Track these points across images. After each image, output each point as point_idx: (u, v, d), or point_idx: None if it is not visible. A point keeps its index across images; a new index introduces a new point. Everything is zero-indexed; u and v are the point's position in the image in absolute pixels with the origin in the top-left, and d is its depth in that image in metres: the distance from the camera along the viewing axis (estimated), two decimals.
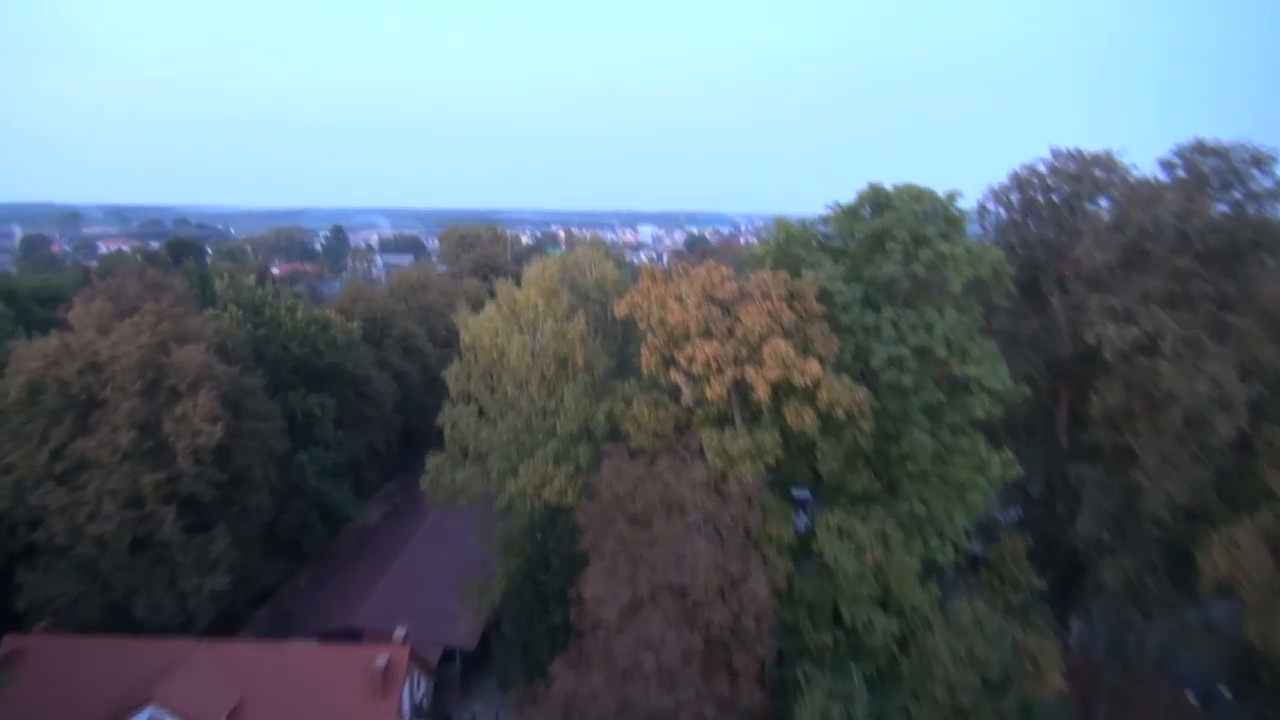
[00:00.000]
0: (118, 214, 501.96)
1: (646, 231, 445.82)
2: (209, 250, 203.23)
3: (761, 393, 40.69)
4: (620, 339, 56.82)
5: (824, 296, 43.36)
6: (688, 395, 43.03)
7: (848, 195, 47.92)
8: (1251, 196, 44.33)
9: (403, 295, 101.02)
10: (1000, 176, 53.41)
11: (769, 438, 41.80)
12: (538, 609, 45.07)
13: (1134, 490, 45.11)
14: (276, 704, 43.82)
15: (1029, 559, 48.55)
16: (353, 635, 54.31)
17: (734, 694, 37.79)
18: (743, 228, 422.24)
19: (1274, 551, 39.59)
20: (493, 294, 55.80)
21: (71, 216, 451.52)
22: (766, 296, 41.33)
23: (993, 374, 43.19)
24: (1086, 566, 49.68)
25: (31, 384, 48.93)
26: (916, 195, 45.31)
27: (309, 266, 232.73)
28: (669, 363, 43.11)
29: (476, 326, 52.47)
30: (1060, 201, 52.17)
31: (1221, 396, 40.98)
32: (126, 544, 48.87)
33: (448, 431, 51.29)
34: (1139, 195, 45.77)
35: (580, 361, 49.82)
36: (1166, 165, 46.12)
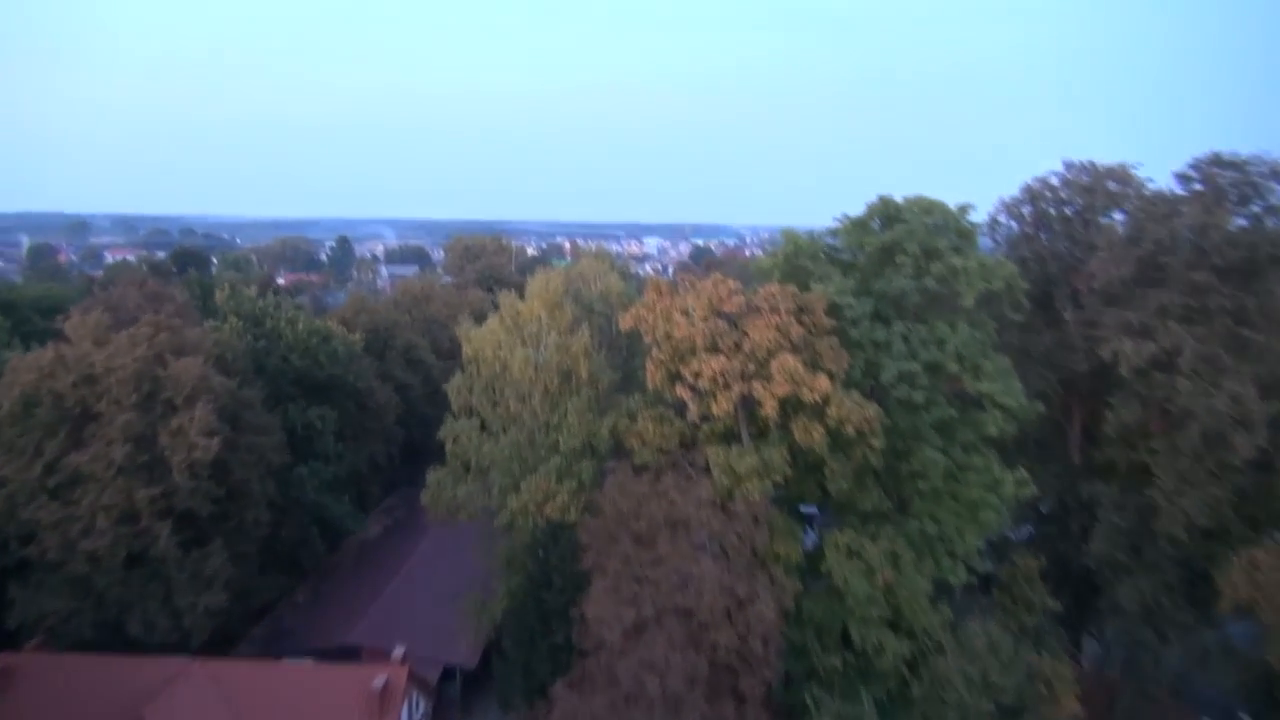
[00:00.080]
0: (125, 223, 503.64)
1: (652, 243, 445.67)
2: (214, 260, 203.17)
3: (769, 409, 39.91)
4: (625, 352, 56.13)
5: (833, 310, 42.67)
6: (693, 411, 42.19)
7: (856, 207, 47.59)
8: (1270, 210, 43.81)
9: (406, 306, 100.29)
10: (1011, 189, 52.96)
11: (777, 455, 40.97)
12: (540, 628, 44.28)
13: (1150, 509, 44.55)
14: None
15: (1041, 579, 47.64)
16: (351, 653, 53.44)
17: (740, 719, 36.89)
18: (748, 239, 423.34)
19: None
20: (497, 305, 55.16)
21: (79, 226, 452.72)
22: (775, 310, 40.62)
23: (1006, 390, 42.42)
24: (1100, 586, 48.91)
25: (25, 396, 48.13)
26: (927, 207, 44.69)
27: (314, 277, 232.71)
28: (674, 377, 42.36)
29: (479, 339, 51.85)
30: (1073, 214, 51.65)
31: (1241, 414, 40.36)
32: (120, 560, 47.90)
33: (449, 446, 50.74)
34: (1155, 209, 45.10)
35: (584, 375, 49.10)
36: (1183, 178, 45.50)
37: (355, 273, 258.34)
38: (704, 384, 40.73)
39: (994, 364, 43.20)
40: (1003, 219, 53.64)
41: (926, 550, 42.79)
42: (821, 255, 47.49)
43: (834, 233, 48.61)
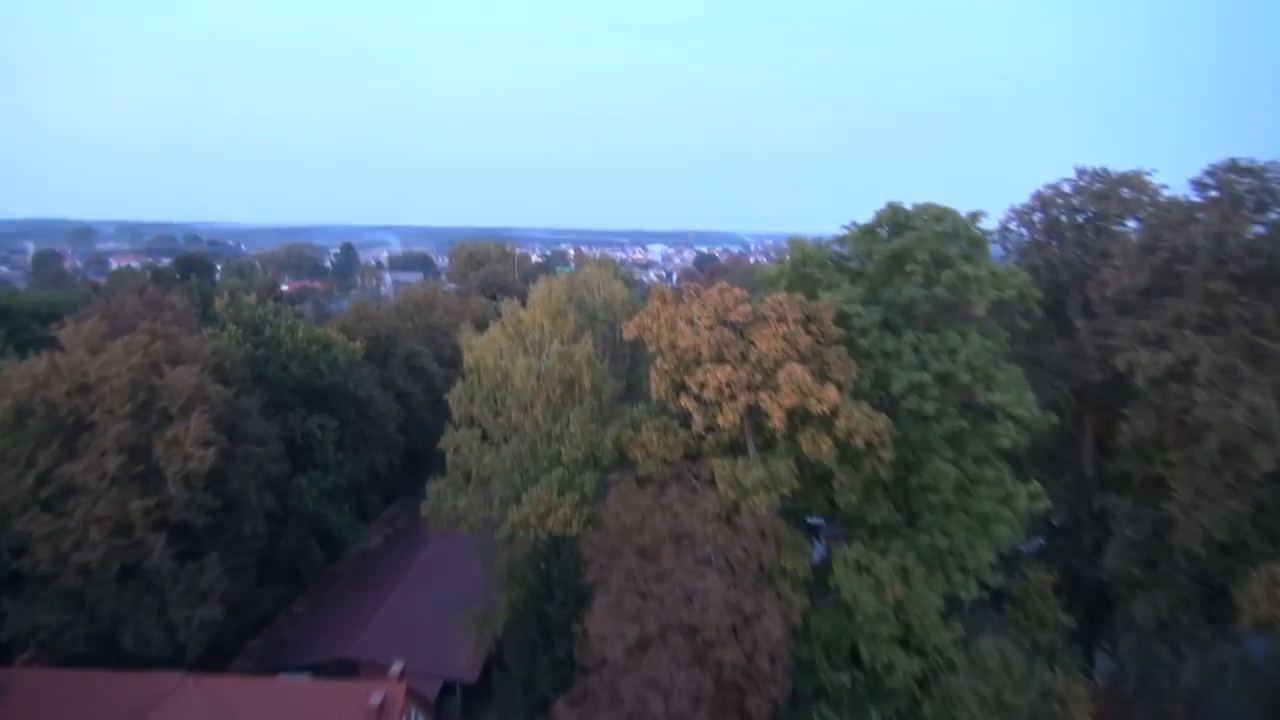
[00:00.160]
0: (130, 230, 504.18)
1: (656, 250, 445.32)
2: (219, 267, 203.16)
3: (776, 420, 38.95)
4: (629, 361, 55.39)
5: (842, 319, 41.78)
6: (699, 421, 41.31)
7: (863, 214, 46.82)
8: None
9: (409, 314, 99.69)
10: (1023, 196, 52.08)
11: (784, 467, 39.99)
12: (541, 642, 43.36)
13: (1165, 522, 43.60)
14: None
15: (1054, 593, 46.67)
16: (349, 668, 52.60)
17: None
18: (752, 247, 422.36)
19: None
20: (500, 313, 54.44)
21: (84, 232, 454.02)
22: (782, 319, 39.71)
23: (1019, 401, 41.48)
24: (1114, 601, 47.93)
25: (18, 406, 47.41)
26: (938, 215, 43.84)
27: (318, 283, 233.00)
28: (679, 388, 41.45)
29: (480, 347, 51.16)
30: (1085, 222, 50.84)
31: (1259, 425, 39.41)
32: (114, 573, 47.05)
33: (450, 456, 50.08)
34: (1171, 216, 44.21)
35: (587, 385, 48.35)
36: (1199, 185, 44.52)
37: (359, 279, 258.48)
38: (709, 394, 39.75)
39: (1006, 374, 42.28)
40: (1014, 226, 52.84)
41: (937, 565, 41.77)
42: (829, 263, 46.59)
43: (842, 240, 47.81)
